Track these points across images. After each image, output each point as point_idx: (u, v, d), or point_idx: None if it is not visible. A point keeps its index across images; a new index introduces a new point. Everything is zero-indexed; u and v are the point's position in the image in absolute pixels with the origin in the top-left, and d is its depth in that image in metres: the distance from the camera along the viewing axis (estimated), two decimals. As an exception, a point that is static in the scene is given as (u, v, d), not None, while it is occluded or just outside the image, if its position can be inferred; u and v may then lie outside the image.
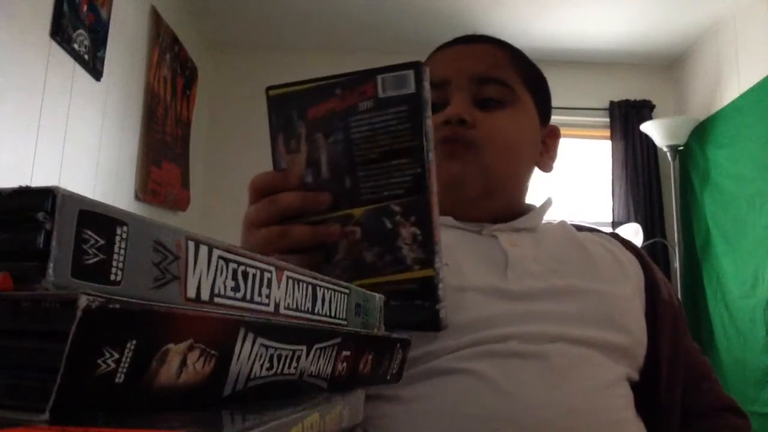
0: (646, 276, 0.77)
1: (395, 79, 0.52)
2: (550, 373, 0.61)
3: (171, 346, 0.23)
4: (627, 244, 0.82)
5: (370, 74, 0.52)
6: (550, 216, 0.84)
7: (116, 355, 0.21)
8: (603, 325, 0.66)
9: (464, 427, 0.58)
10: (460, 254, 0.70)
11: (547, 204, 0.83)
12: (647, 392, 0.70)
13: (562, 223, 0.83)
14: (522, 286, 0.68)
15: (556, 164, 0.86)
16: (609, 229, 3.24)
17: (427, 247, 0.52)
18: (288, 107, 0.55)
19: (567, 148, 3.60)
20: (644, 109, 3.60)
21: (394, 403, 0.60)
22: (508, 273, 0.69)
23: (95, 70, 2.25)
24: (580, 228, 0.85)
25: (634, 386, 0.69)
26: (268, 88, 0.55)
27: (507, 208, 0.79)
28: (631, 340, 0.68)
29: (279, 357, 0.30)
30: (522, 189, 0.83)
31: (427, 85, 0.52)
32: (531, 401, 0.59)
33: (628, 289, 0.73)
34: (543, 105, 0.84)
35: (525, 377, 0.60)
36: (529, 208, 0.83)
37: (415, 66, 0.52)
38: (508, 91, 0.78)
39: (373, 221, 0.53)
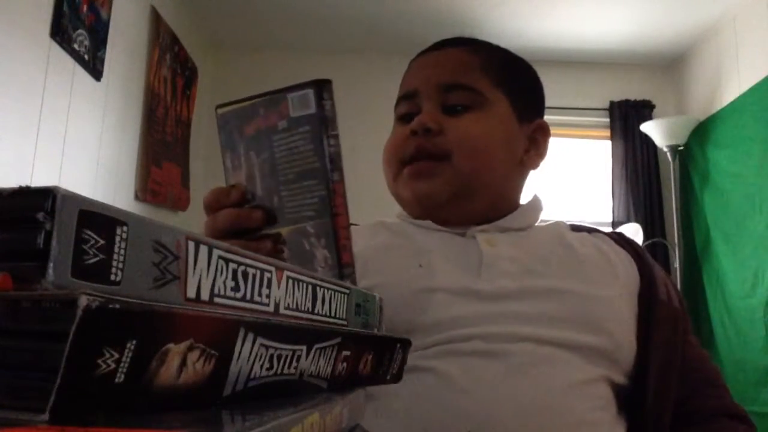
0: (642, 277, 0.75)
1: (300, 99, 0.51)
2: (510, 372, 0.61)
3: (171, 346, 0.23)
4: (627, 244, 0.81)
5: (282, 93, 0.52)
6: (551, 216, 0.84)
7: (116, 355, 0.21)
8: (579, 327, 0.66)
9: (422, 423, 0.59)
10: (435, 256, 0.71)
11: (535, 202, 0.83)
12: (635, 396, 0.69)
13: (556, 224, 0.83)
14: (493, 287, 0.68)
15: (545, 161, 0.85)
16: (609, 229, 3.24)
17: (335, 270, 0.51)
18: (230, 124, 0.56)
19: (567, 148, 3.60)
20: (644, 109, 3.60)
21: (367, 400, 0.61)
22: (482, 273, 0.69)
23: (95, 70, 2.25)
24: (578, 228, 0.84)
25: (623, 390, 0.68)
26: (217, 106, 0.56)
27: (491, 208, 0.79)
28: (611, 342, 0.67)
29: (279, 357, 0.30)
30: (506, 188, 0.82)
31: (329, 103, 0.50)
32: (487, 398, 0.59)
33: (615, 290, 0.72)
34: (523, 102, 0.82)
35: (484, 375, 0.61)
36: (518, 206, 0.82)
37: (316, 84, 0.50)
38: (474, 95, 0.77)
39: (295, 241, 0.53)
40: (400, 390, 0.60)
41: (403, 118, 0.81)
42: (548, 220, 0.84)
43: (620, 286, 0.73)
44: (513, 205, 0.82)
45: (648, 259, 0.79)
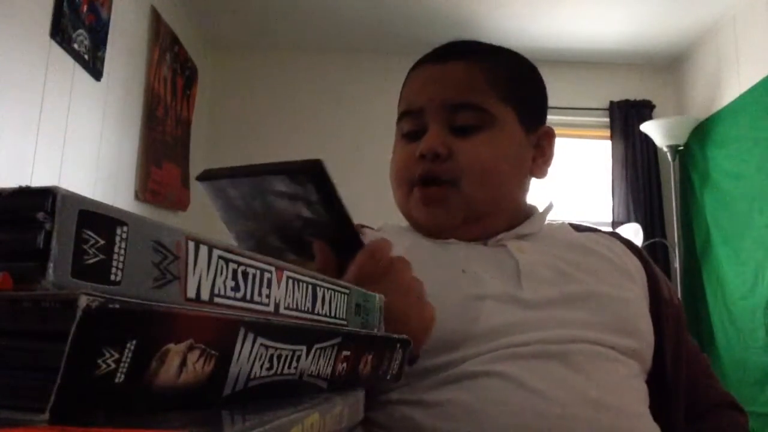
0: (647, 276, 0.78)
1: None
2: (571, 369, 0.63)
3: (171, 346, 0.23)
4: (627, 244, 0.82)
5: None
6: (552, 216, 0.84)
7: (116, 355, 0.21)
8: (617, 330, 0.68)
9: (492, 424, 0.59)
10: (473, 263, 0.71)
11: (549, 208, 0.84)
12: (654, 389, 0.71)
13: (563, 226, 0.84)
14: (537, 295, 0.69)
15: (552, 167, 0.84)
16: (609, 229, 3.24)
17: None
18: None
19: (567, 148, 3.60)
20: (644, 109, 3.60)
21: (418, 407, 0.62)
22: (522, 282, 0.70)
23: (95, 70, 2.25)
24: (579, 228, 0.85)
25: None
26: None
27: (507, 221, 0.79)
28: (642, 343, 0.70)
29: (279, 357, 0.30)
30: (518, 200, 0.81)
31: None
32: (557, 396, 0.60)
33: (635, 290, 0.74)
34: (530, 111, 0.81)
35: (549, 374, 0.62)
36: (531, 211, 0.82)
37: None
38: (483, 114, 0.75)
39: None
40: (460, 395, 0.61)
41: (407, 135, 0.79)
42: (553, 221, 0.84)
43: (637, 286, 0.75)
44: (526, 211, 0.82)
45: (647, 257, 0.82)
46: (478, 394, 0.61)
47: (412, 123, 0.78)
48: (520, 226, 0.78)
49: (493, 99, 0.76)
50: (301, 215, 0.52)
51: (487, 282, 0.69)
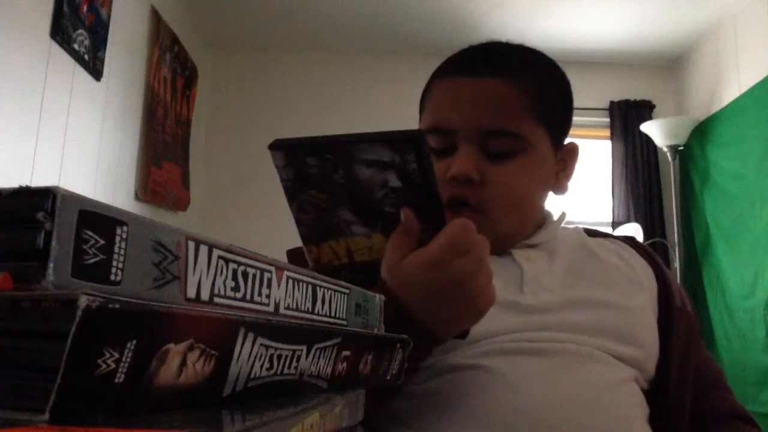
0: (659, 283, 0.77)
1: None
2: (559, 368, 0.63)
3: (171, 346, 0.23)
4: (642, 250, 0.82)
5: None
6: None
7: (116, 355, 0.21)
8: (616, 338, 0.68)
9: (473, 417, 0.60)
10: None
11: (562, 218, 0.83)
12: (657, 398, 0.70)
13: (577, 231, 0.83)
14: (538, 301, 0.69)
15: (571, 182, 0.83)
16: (609, 230, 3.25)
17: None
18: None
19: (567, 148, 3.59)
20: (644, 109, 3.60)
21: (407, 398, 0.63)
22: (524, 288, 0.70)
23: (95, 70, 2.25)
24: (594, 233, 0.85)
25: (645, 393, 0.70)
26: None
27: (521, 235, 0.78)
28: (642, 353, 0.69)
29: (279, 357, 0.30)
30: (537, 214, 0.80)
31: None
32: (538, 393, 0.61)
33: (642, 299, 0.74)
34: (559, 130, 0.79)
35: (533, 371, 0.63)
36: (545, 220, 0.81)
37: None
38: (518, 140, 0.72)
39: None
40: (446, 386, 0.63)
41: (434, 151, 0.75)
42: (568, 226, 0.84)
43: (645, 295, 0.75)
44: (539, 221, 0.81)
45: (661, 264, 0.81)
46: (459, 386, 0.62)
47: (441, 141, 0.74)
48: (533, 237, 0.78)
49: (528, 123, 0.73)
50: (387, 184, 0.54)
51: None
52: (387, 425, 0.64)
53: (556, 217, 0.82)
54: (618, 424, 0.62)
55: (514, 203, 0.73)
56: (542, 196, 0.80)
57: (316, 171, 0.54)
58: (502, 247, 0.76)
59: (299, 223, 0.57)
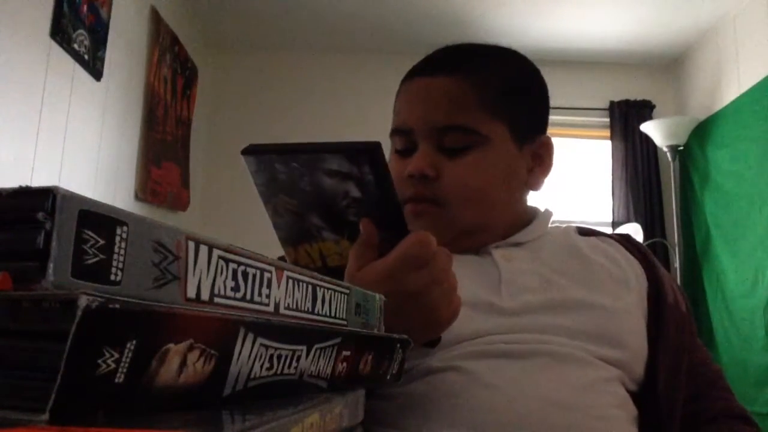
0: (650, 282, 0.76)
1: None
2: (536, 369, 0.63)
3: (171, 346, 0.23)
4: (634, 248, 0.81)
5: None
6: (552, 217, 0.83)
7: (116, 355, 0.21)
8: (598, 340, 0.67)
9: (448, 418, 0.60)
10: (457, 271, 0.71)
11: (547, 215, 0.82)
12: (646, 400, 0.69)
13: (566, 230, 0.82)
14: (516, 302, 0.69)
15: (548, 178, 0.82)
16: (609, 230, 3.25)
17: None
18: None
19: (567, 148, 3.60)
20: (644, 109, 3.60)
21: (388, 399, 0.63)
22: (502, 289, 0.70)
23: (95, 70, 2.25)
24: (586, 232, 0.84)
25: (632, 395, 0.69)
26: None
27: (498, 233, 0.78)
28: (626, 354, 0.69)
29: (279, 357, 0.30)
30: (513, 212, 0.80)
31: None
32: (514, 394, 0.61)
33: (629, 299, 0.73)
34: (525, 123, 0.79)
35: (510, 372, 0.62)
36: (531, 218, 0.81)
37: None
38: (471, 135, 0.74)
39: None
40: (423, 388, 0.62)
41: (399, 152, 0.78)
42: (559, 225, 0.83)
43: (633, 294, 0.74)
44: (523, 219, 0.81)
45: (655, 262, 0.80)
46: (436, 387, 0.62)
47: (402, 141, 0.78)
48: (515, 235, 0.77)
49: (482, 118, 0.74)
50: (348, 194, 0.55)
51: (464, 290, 0.67)
52: (368, 425, 0.64)
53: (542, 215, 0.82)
54: (593, 425, 0.61)
55: (469, 197, 0.74)
56: (512, 192, 0.79)
57: (284, 177, 0.55)
58: (476, 244, 0.76)
59: (276, 226, 0.58)
